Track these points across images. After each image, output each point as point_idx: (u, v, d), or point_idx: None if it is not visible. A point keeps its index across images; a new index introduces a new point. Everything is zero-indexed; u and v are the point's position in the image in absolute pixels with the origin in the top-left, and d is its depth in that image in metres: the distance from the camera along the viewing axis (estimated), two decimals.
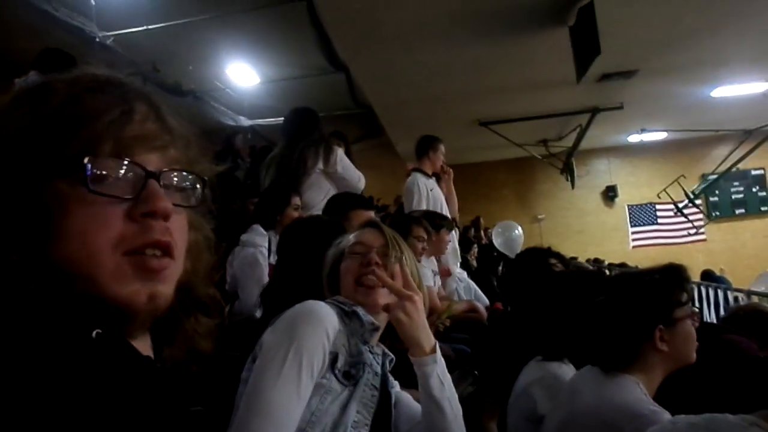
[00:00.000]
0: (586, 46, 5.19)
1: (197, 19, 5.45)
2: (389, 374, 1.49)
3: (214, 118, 8.06)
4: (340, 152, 3.66)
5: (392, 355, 1.48)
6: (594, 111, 8.37)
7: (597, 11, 4.81)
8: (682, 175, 11.16)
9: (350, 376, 1.32)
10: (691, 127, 9.92)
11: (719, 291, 5.76)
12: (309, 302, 1.36)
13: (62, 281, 0.60)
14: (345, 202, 2.77)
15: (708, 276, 8.93)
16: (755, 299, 5.13)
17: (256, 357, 1.28)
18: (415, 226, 3.28)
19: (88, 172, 0.61)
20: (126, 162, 0.64)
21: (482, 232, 8.90)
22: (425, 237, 3.32)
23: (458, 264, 4.54)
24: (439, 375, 1.39)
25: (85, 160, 0.61)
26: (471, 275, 4.98)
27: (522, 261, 2.35)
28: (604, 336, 1.57)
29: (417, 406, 1.47)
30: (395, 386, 1.52)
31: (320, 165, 3.53)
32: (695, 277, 8.56)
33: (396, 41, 5.67)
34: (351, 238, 1.57)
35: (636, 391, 1.47)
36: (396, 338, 1.48)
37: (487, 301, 4.08)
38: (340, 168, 3.60)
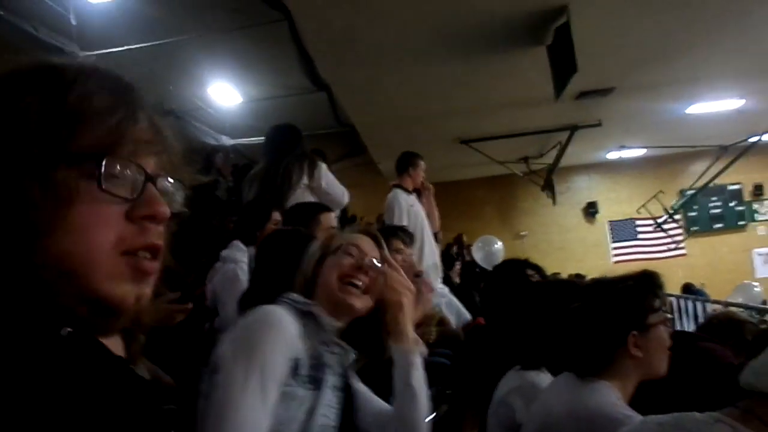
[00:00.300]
0: (563, 65, 5.29)
1: (179, 39, 5.47)
2: (350, 369, 1.51)
3: (195, 137, 8.05)
4: (324, 167, 3.69)
5: (352, 350, 1.49)
6: (573, 128, 8.48)
7: (573, 30, 4.90)
8: (661, 191, 11.32)
9: (313, 380, 1.33)
10: (669, 143, 10.07)
11: (697, 303, 5.84)
12: (264, 309, 1.36)
13: (53, 276, 0.59)
14: (313, 208, 2.82)
15: (688, 289, 9.03)
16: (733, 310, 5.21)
17: (214, 368, 1.26)
18: (393, 239, 3.29)
19: (102, 170, 0.61)
20: (134, 164, 0.65)
21: (465, 249, 8.94)
22: (403, 249, 3.34)
23: (440, 280, 4.56)
24: (420, 367, 1.46)
25: (104, 158, 0.62)
26: (453, 291, 4.99)
27: (499, 272, 2.38)
28: (578, 342, 1.59)
29: (377, 399, 1.51)
30: (356, 379, 1.54)
31: (305, 180, 3.56)
32: (675, 290, 8.67)
33: (377, 60, 5.73)
34: (347, 237, 1.58)
35: (610, 396, 1.50)
36: (374, 352, 1.51)
37: (469, 317, 4.09)
38: (325, 183, 3.64)
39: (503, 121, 8.12)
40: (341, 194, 3.70)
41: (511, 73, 6.20)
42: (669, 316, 1.64)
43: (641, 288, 1.63)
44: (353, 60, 5.72)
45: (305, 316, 1.40)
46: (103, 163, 0.62)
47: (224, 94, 7.08)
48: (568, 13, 4.84)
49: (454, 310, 4.16)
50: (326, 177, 3.63)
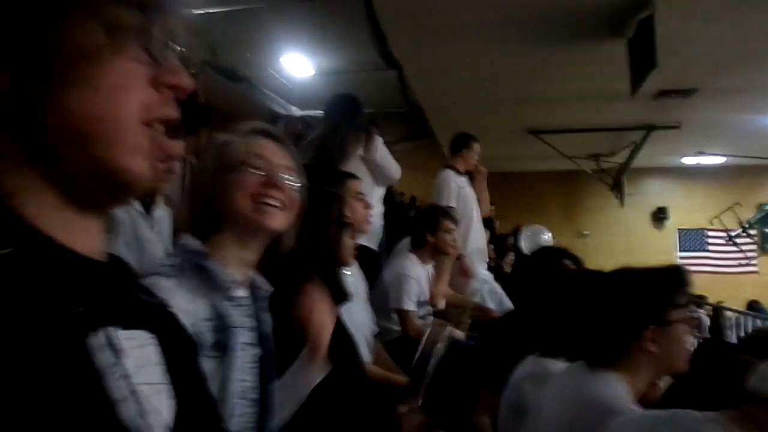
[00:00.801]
0: (642, 60, 5.10)
1: (256, 6, 5.56)
2: (265, 311, 1.30)
3: (266, 105, 8.20)
4: (380, 140, 3.69)
5: (265, 287, 1.30)
6: (649, 128, 8.15)
7: (657, 25, 4.71)
8: (738, 203, 10.80)
9: (219, 347, 1.16)
10: (751, 153, 9.56)
11: (758, 321, 5.59)
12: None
13: (65, 140, 0.52)
14: (339, 171, 2.72)
15: (752, 306, 8.64)
16: None
17: None
18: (444, 219, 3.28)
19: (149, 25, 0.55)
20: (165, 26, 0.57)
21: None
22: (454, 229, 3.32)
23: (485, 265, 4.50)
24: None
25: (152, 12, 0.56)
26: (503, 280, 4.93)
27: (535, 259, 2.34)
28: (593, 331, 1.54)
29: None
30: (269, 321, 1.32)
31: (360, 151, 3.57)
32: (742, 307, 8.28)
33: (451, 42, 5.67)
34: (247, 145, 1.29)
35: (617, 388, 1.45)
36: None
37: (511, 305, 4.04)
38: (379, 156, 3.63)
39: (576, 114, 7.89)
40: (395, 169, 3.70)
41: (589, 65, 6.02)
42: (695, 315, 1.56)
43: (665, 282, 1.56)
44: (427, 40, 5.68)
45: (201, 269, 1.20)
46: (151, 17, 0.55)
47: (296, 65, 7.15)
48: (652, 6, 4.65)
49: (496, 297, 4.12)
50: (381, 150, 3.63)
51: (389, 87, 7.51)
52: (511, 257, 6.90)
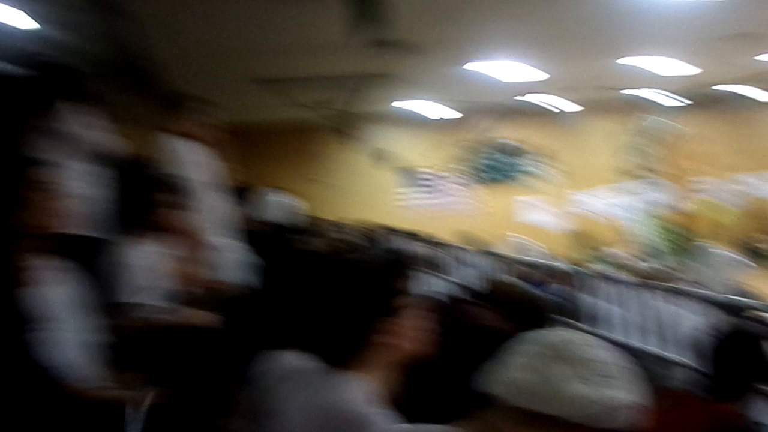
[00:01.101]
0: (365, 12, 5.30)
1: None
2: None
3: None
4: (95, 113, 3.25)
5: None
6: (371, 77, 8.63)
7: None
8: (453, 144, 12.16)
9: None
10: (468, 99, 10.63)
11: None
12: None
13: None
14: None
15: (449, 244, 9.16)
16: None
17: None
18: (167, 192, 2.94)
19: None
20: None
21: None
22: (182, 201, 3.01)
23: (230, 234, 4.13)
24: None
25: None
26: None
27: (262, 240, 2.22)
28: (324, 328, 1.44)
29: None
30: None
31: (68, 127, 3.11)
32: (459, 241, 9.11)
33: None
34: None
35: (356, 390, 1.35)
36: None
37: (254, 280, 3.84)
38: (94, 132, 3.23)
39: (304, 64, 8.03)
40: (115, 145, 3.28)
41: (313, 16, 6.09)
42: (422, 296, 1.54)
43: (386, 270, 1.50)
44: None
45: None
46: None
47: None
48: None
49: (242, 269, 3.85)
50: (95, 125, 3.19)
51: (113, 35, 6.73)
52: (258, 220, 6.73)
